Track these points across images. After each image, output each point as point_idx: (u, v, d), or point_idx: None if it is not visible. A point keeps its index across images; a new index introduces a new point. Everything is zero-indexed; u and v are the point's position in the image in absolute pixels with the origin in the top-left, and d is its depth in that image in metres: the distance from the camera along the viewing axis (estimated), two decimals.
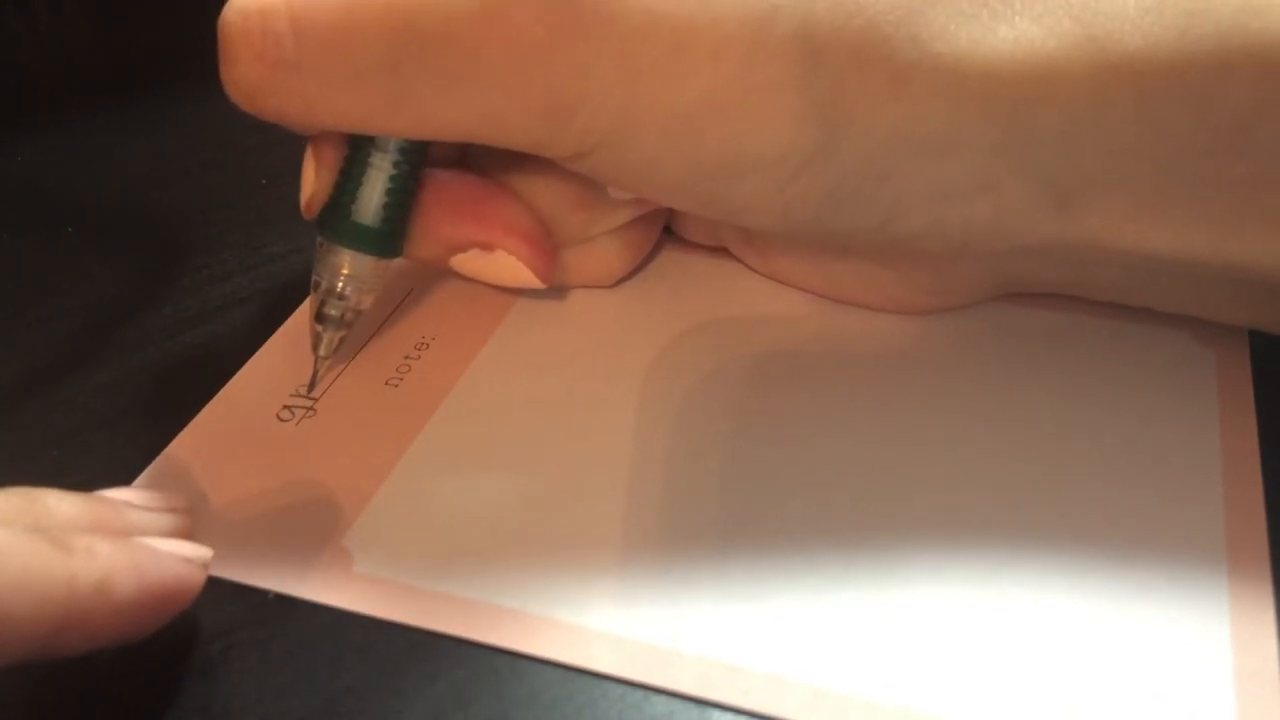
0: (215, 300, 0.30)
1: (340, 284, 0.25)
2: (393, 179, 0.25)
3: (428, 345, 0.28)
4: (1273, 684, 0.20)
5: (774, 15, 0.21)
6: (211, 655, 0.21)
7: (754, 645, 0.21)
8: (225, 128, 0.38)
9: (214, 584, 0.22)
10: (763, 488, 0.24)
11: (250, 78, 0.22)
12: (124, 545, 0.19)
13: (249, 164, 0.36)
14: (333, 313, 0.26)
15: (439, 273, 0.30)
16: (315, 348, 0.26)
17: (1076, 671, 0.20)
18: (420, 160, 0.25)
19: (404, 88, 0.22)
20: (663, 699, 0.20)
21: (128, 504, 0.21)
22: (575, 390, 0.27)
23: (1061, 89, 0.21)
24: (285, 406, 0.26)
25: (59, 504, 0.20)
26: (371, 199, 0.25)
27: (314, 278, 0.26)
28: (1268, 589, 0.21)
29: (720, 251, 0.31)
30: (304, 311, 0.29)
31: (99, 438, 0.26)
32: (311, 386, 0.27)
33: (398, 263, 0.28)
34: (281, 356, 0.28)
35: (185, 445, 0.26)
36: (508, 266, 0.27)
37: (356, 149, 0.24)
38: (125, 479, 0.25)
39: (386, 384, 0.27)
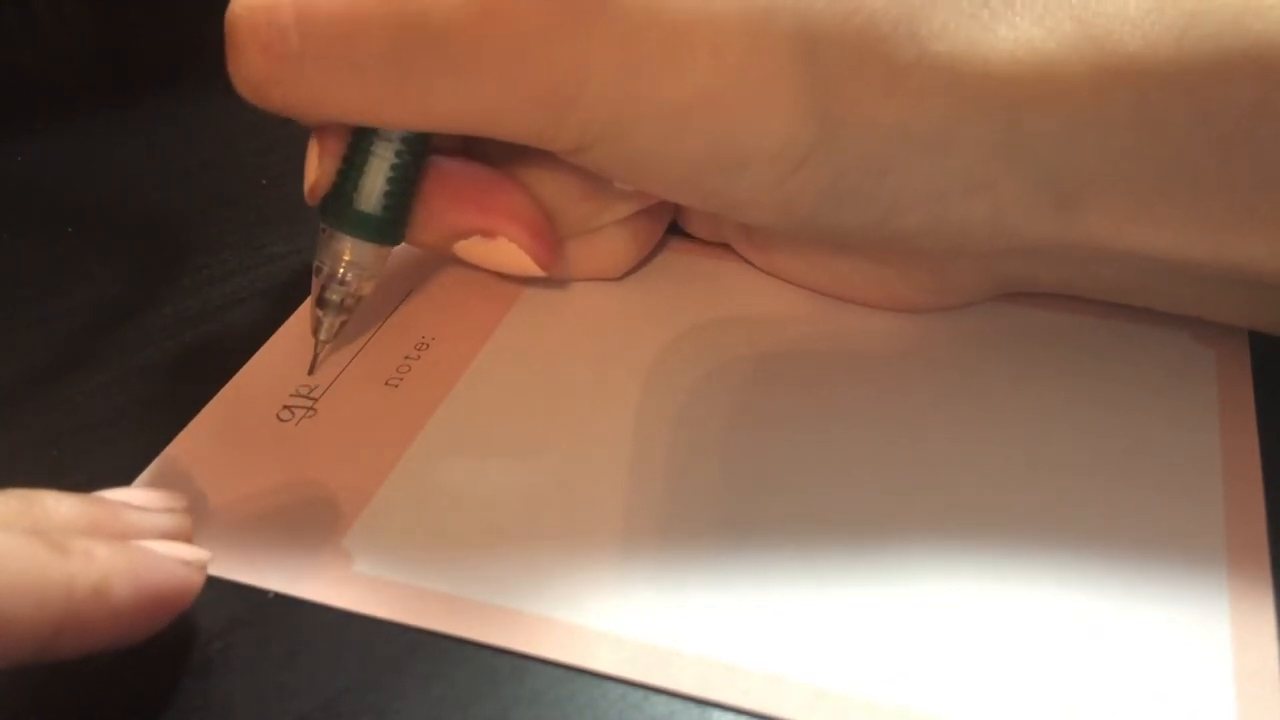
0: (215, 300, 0.30)
1: (342, 270, 0.26)
2: (395, 167, 0.25)
3: (428, 345, 0.28)
4: (1273, 684, 0.20)
5: (773, 11, 0.21)
6: (211, 655, 0.21)
7: (754, 645, 0.21)
8: (225, 128, 0.38)
9: (214, 584, 0.22)
10: (763, 488, 0.24)
11: (256, 70, 0.23)
12: (122, 548, 0.19)
13: (249, 164, 0.36)
14: (334, 298, 0.26)
15: (439, 273, 0.30)
16: (315, 332, 0.27)
17: (1076, 671, 0.20)
18: (423, 149, 0.25)
19: (407, 80, 0.22)
20: (663, 699, 0.20)
21: (126, 505, 0.21)
22: (576, 390, 0.27)
23: (1061, 89, 0.21)
24: (285, 406, 0.26)
25: (57, 506, 0.20)
26: (374, 186, 0.25)
27: (316, 263, 0.26)
28: (1268, 589, 0.21)
29: (721, 249, 0.31)
30: (304, 312, 0.29)
31: (99, 438, 0.26)
32: (311, 370, 0.27)
33: (399, 263, 0.28)
34: (282, 357, 0.28)
35: (185, 445, 0.26)
36: (509, 254, 0.27)
37: (360, 137, 0.25)
38: (125, 479, 0.25)
39: (386, 384, 0.27)
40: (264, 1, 0.22)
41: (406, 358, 0.28)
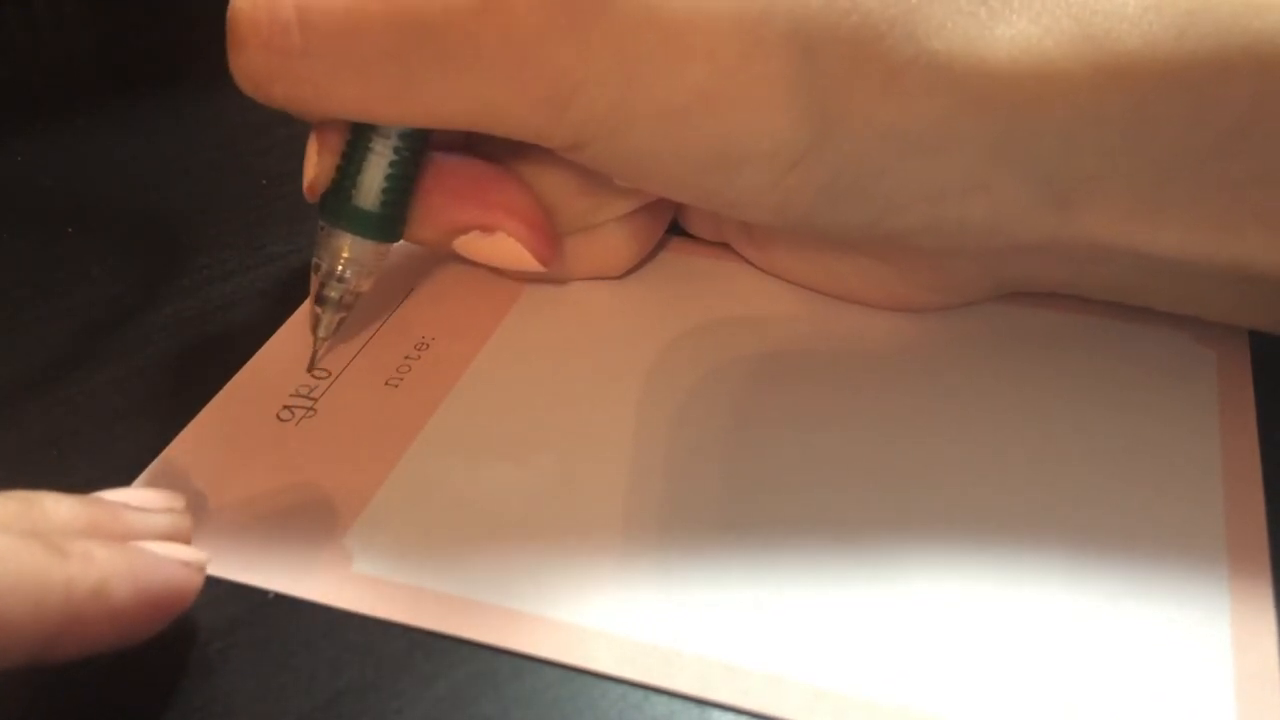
0: (215, 300, 0.30)
1: (340, 267, 0.26)
2: (393, 164, 0.25)
3: (428, 345, 0.28)
4: (1273, 684, 0.20)
5: (769, 11, 0.22)
6: (211, 655, 0.21)
7: (754, 645, 0.21)
8: (225, 128, 0.38)
9: (213, 584, 0.22)
10: (762, 488, 0.24)
11: (257, 65, 0.23)
12: (121, 549, 0.19)
13: (249, 164, 0.36)
14: (332, 295, 0.26)
15: (439, 273, 0.30)
16: (314, 329, 0.27)
17: (1076, 671, 0.20)
18: (421, 146, 0.25)
19: (407, 76, 0.23)
20: (663, 699, 0.20)
21: (126, 505, 0.21)
22: (576, 391, 0.27)
23: (1059, 88, 0.21)
24: (285, 406, 0.26)
25: (56, 507, 0.20)
26: (372, 184, 0.25)
27: (314, 260, 0.26)
28: (1268, 589, 0.21)
29: (721, 249, 0.31)
30: (304, 312, 0.29)
31: (99, 438, 0.26)
32: (310, 367, 0.27)
33: (399, 263, 0.28)
34: (282, 357, 0.28)
35: (185, 445, 0.26)
36: (508, 249, 0.27)
37: (358, 134, 0.25)
38: (125, 479, 0.25)
39: (386, 384, 0.27)
40: None
41: (406, 358, 0.28)
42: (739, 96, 0.22)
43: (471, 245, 0.27)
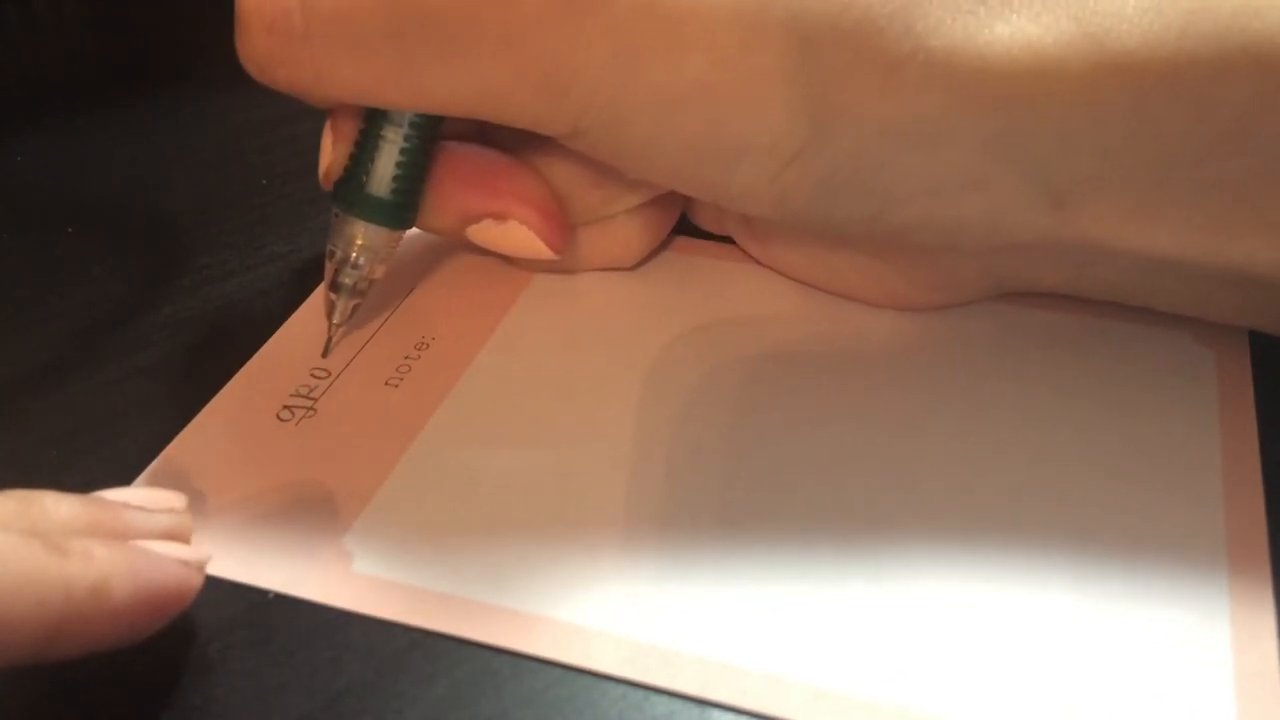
0: (215, 300, 0.30)
1: (354, 254, 0.26)
2: (404, 152, 0.25)
3: (428, 345, 0.28)
4: (1273, 684, 0.20)
5: (767, 5, 0.22)
6: (210, 655, 0.21)
7: (754, 645, 0.21)
8: (225, 128, 0.38)
9: (213, 584, 0.22)
10: (763, 487, 0.24)
11: (261, 49, 0.23)
12: (121, 548, 0.19)
13: (249, 164, 0.36)
14: (346, 281, 0.27)
15: (439, 272, 0.30)
16: (329, 315, 0.27)
17: (1076, 671, 0.20)
18: (432, 134, 0.26)
19: (406, 59, 0.23)
20: (663, 699, 0.20)
21: (126, 505, 0.21)
22: (576, 391, 0.27)
23: (1058, 87, 0.21)
24: (285, 406, 0.26)
25: (56, 506, 0.20)
26: (385, 172, 0.26)
27: (329, 247, 0.27)
28: (1268, 589, 0.21)
29: (724, 248, 0.31)
30: (304, 311, 0.29)
31: (99, 438, 0.26)
32: (325, 353, 0.28)
33: (399, 263, 0.28)
34: (282, 356, 0.28)
35: (185, 445, 0.26)
36: (520, 236, 0.27)
37: (370, 123, 0.25)
38: (125, 479, 0.25)
39: (386, 384, 0.27)
40: None
41: (407, 358, 0.28)
42: (737, 89, 0.22)
43: (484, 233, 0.27)
